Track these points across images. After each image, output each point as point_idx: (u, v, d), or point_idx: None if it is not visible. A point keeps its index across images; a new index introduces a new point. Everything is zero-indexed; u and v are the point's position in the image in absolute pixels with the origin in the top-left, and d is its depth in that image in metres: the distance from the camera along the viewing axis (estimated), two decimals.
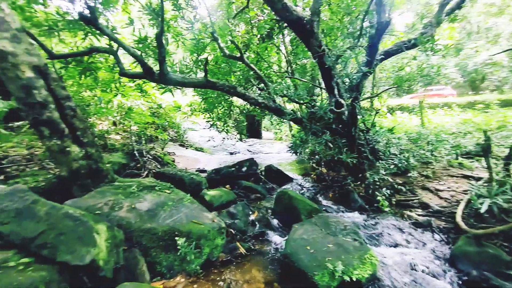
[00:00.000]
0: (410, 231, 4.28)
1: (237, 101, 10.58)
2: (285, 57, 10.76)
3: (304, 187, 6.88)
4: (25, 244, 2.33)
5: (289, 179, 7.69)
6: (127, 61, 8.10)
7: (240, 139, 9.29)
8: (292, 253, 3.20)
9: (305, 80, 9.03)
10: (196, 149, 14.13)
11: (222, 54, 6.05)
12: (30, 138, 6.64)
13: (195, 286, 3.01)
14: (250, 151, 15.79)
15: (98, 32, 5.27)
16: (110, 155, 6.23)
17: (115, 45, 5.07)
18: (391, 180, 5.67)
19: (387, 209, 5.06)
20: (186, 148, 13.47)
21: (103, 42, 6.04)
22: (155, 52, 5.93)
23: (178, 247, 3.05)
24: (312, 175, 7.58)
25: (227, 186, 6.43)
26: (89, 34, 5.34)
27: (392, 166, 5.98)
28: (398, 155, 6.46)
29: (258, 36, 6.84)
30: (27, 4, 5.25)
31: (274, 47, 8.83)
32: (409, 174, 5.93)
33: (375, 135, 6.88)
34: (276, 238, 4.23)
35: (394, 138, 7.20)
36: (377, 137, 6.85)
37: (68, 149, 3.65)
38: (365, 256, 3.12)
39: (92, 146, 3.99)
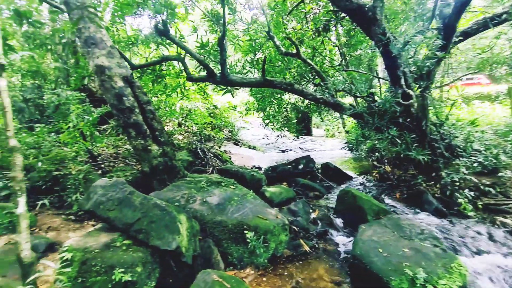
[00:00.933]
0: (505, 241, 3.65)
1: (289, 98, 10.54)
2: (339, 50, 10.26)
3: (366, 186, 6.47)
4: (126, 228, 2.75)
5: (348, 178, 7.34)
6: (190, 67, 8.81)
7: (297, 137, 9.22)
8: (362, 254, 3.05)
9: (364, 72, 8.45)
10: (249, 147, 14.57)
11: (278, 52, 6.09)
12: (114, 139, 7.78)
13: (264, 279, 3.12)
14: (301, 148, 15.56)
15: (167, 42, 5.85)
16: (177, 153, 6.88)
17: (182, 53, 5.56)
18: (475, 180, 4.91)
19: (471, 214, 4.41)
20: (240, 147, 14.00)
21: (165, 51, 6.68)
22: (215, 55, 6.30)
23: (248, 240, 3.19)
24: (373, 174, 7.07)
25: (284, 183, 6.47)
26: (160, 45, 5.95)
27: (475, 164, 5.17)
28: (483, 152, 5.55)
29: (314, 30, 6.66)
30: (111, 25, 6.15)
31: (329, 40, 8.49)
32: (500, 174, 5.04)
33: (451, 129, 6.06)
34: (340, 238, 4.09)
35: (476, 132, 6.21)
36: (454, 131, 6.02)
37: (149, 147, 4.16)
38: (451, 265, 2.77)
39: (168, 145, 4.46)
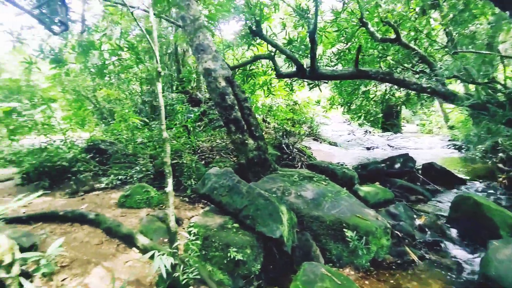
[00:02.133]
0: None
1: (376, 90, 9.53)
2: (444, 29, 8.57)
3: (490, 194, 5.26)
4: (235, 213, 3.06)
5: (459, 181, 6.14)
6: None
7: (387, 132, 8.29)
8: (500, 277, 2.49)
9: (485, 52, 6.80)
10: (330, 143, 14.00)
11: (373, 39, 5.56)
12: (207, 134, 8.81)
13: (366, 282, 2.95)
14: (391, 146, 13.91)
15: (258, 42, 6.17)
16: None
17: (272, 51, 5.77)
18: None
19: None
20: (320, 143, 13.61)
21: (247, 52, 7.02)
22: (303, 50, 6.26)
23: (348, 239, 3.07)
24: (500, 179, 5.67)
25: (377, 183, 5.92)
26: (250, 46, 6.32)
27: None
28: None
29: (417, 8, 5.76)
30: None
31: (434, 19, 7.20)
32: None
33: None
34: (458, 252, 3.47)
35: None
36: None
37: (246, 141, 4.50)
38: None
39: (262, 140, 4.73)
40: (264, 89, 7.38)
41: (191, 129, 7.20)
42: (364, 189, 4.82)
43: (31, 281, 1.66)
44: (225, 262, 2.73)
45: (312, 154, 9.53)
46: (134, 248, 2.93)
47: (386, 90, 9.06)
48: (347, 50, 7.12)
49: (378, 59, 7.23)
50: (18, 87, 7.89)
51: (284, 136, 9.32)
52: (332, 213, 3.47)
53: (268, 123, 11.36)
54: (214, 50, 4.54)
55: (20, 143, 7.16)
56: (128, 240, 2.97)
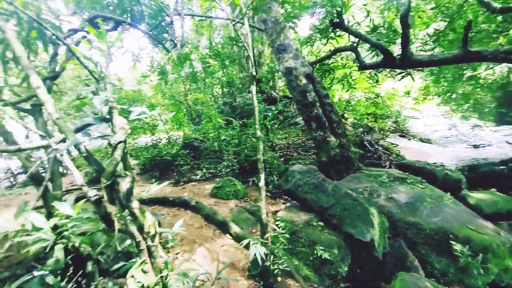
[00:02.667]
0: None
1: (486, 76, 7.67)
2: None
3: None
4: (320, 211, 3.05)
5: None
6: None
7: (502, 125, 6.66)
8: None
9: None
10: (421, 140, 12.09)
11: (489, 10, 4.50)
12: (283, 132, 8.96)
13: None
14: (510, 143, 10.98)
15: (337, 34, 5.87)
16: None
17: (353, 41, 5.39)
18: None
19: None
20: (409, 139, 11.93)
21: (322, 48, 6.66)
22: (390, 38, 5.62)
23: (457, 254, 2.63)
24: None
25: (493, 189, 4.80)
26: (330, 39, 6.07)
27: None
28: None
29: None
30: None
31: None
32: None
33: None
34: None
35: None
36: None
37: (328, 139, 4.38)
38: None
39: (344, 137, 4.51)
40: (343, 83, 6.96)
41: (269, 127, 7.48)
42: (476, 196, 3.99)
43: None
44: (311, 259, 2.76)
45: (399, 153, 8.48)
46: (227, 235, 3.30)
47: (506, 73, 7.24)
48: (447, 30, 5.99)
49: (495, 35, 5.82)
50: (134, 96, 9.93)
51: (365, 133, 8.61)
52: (433, 220, 3.03)
53: (346, 118, 10.70)
54: (295, 49, 4.58)
55: (136, 141, 9.03)
56: (223, 227, 3.35)
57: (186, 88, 13.05)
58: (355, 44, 5.33)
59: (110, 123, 1.59)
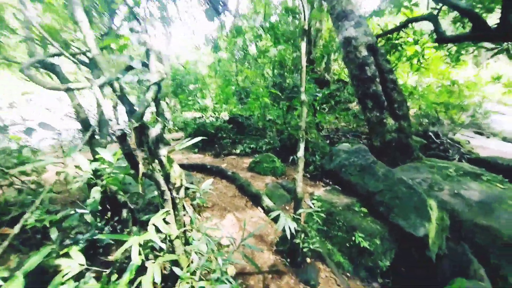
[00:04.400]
0: None
1: None
2: None
3: None
4: (366, 196, 2.68)
5: None
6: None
7: None
8: None
9: None
10: (504, 139, 9.99)
11: None
12: (335, 117, 8.35)
13: None
14: None
15: (412, 4, 4.97)
16: None
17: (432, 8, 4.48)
18: None
19: None
20: (488, 137, 9.97)
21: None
22: (484, 4, 4.51)
23: None
24: None
25: None
26: (402, 8, 5.18)
27: None
28: None
29: None
30: None
31: None
32: None
33: None
34: None
35: None
36: None
37: (385, 120, 3.82)
38: None
39: (405, 119, 3.89)
40: (412, 63, 5.98)
41: (318, 108, 7.01)
42: None
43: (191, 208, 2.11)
44: (348, 245, 2.47)
45: (472, 150, 7.14)
46: (259, 208, 3.19)
47: None
48: None
49: None
50: (189, 71, 10.38)
51: (432, 124, 7.46)
52: None
53: (411, 107, 9.42)
54: (358, 16, 4.00)
55: (187, 115, 9.51)
56: (255, 199, 3.26)
57: (238, 68, 13.13)
58: (435, 13, 4.42)
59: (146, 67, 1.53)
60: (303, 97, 2.04)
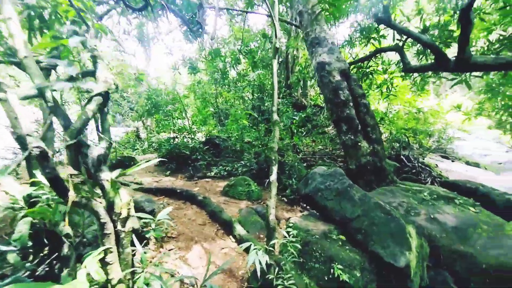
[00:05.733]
0: None
1: None
2: None
3: None
4: (343, 222, 2.53)
5: None
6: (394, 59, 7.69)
7: None
8: None
9: None
10: (468, 163, 10.63)
11: None
12: (309, 140, 8.44)
13: None
14: None
15: (380, 35, 5.31)
16: None
17: (398, 40, 4.79)
18: None
19: None
20: (452, 161, 10.55)
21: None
22: (443, 38, 4.93)
23: None
24: None
25: None
26: (371, 40, 5.51)
27: None
28: None
29: None
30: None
31: None
32: None
33: None
34: None
35: None
36: None
37: (359, 144, 3.82)
38: None
39: (379, 143, 3.92)
40: (382, 90, 6.29)
41: (295, 131, 7.02)
42: None
43: (146, 244, 1.79)
44: (326, 279, 2.24)
45: (441, 173, 7.44)
46: (231, 236, 2.90)
47: None
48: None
49: None
50: (166, 91, 10.19)
51: (402, 148, 7.75)
52: (492, 254, 2.34)
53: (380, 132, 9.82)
54: (331, 43, 4.14)
55: (163, 136, 9.12)
56: (227, 227, 2.97)
57: (217, 91, 13.14)
58: (400, 44, 4.73)
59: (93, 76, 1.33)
60: (275, 116, 1.91)
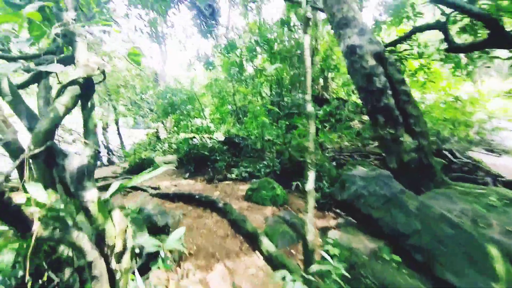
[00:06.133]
0: None
1: None
2: None
3: None
4: (396, 237, 2.03)
5: None
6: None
7: None
8: None
9: None
10: None
11: None
12: (337, 135, 7.84)
13: None
14: None
15: (415, 14, 4.64)
16: None
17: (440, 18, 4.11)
18: None
19: None
20: (499, 155, 9.41)
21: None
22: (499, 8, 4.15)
23: None
24: None
25: None
26: (405, 18, 4.86)
27: None
28: None
29: None
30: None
31: None
32: None
33: None
34: None
35: None
36: None
37: (401, 138, 3.26)
38: None
39: (424, 137, 3.33)
40: (417, 76, 5.57)
41: (319, 126, 6.50)
42: None
43: (147, 277, 1.43)
44: None
45: (490, 169, 6.53)
46: (257, 252, 2.52)
47: None
48: None
49: None
50: (183, 90, 10.02)
51: (442, 142, 6.94)
52: None
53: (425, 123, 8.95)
54: (361, 23, 3.60)
55: (182, 136, 8.90)
56: (252, 240, 2.59)
57: (234, 88, 12.84)
58: (443, 20, 4.05)
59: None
60: (310, 108, 1.48)
